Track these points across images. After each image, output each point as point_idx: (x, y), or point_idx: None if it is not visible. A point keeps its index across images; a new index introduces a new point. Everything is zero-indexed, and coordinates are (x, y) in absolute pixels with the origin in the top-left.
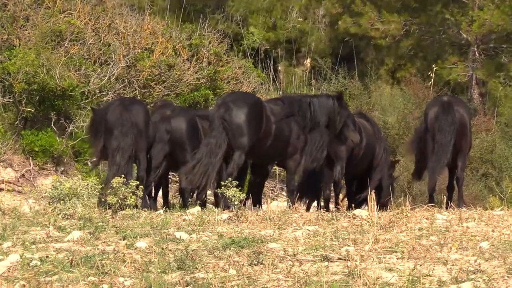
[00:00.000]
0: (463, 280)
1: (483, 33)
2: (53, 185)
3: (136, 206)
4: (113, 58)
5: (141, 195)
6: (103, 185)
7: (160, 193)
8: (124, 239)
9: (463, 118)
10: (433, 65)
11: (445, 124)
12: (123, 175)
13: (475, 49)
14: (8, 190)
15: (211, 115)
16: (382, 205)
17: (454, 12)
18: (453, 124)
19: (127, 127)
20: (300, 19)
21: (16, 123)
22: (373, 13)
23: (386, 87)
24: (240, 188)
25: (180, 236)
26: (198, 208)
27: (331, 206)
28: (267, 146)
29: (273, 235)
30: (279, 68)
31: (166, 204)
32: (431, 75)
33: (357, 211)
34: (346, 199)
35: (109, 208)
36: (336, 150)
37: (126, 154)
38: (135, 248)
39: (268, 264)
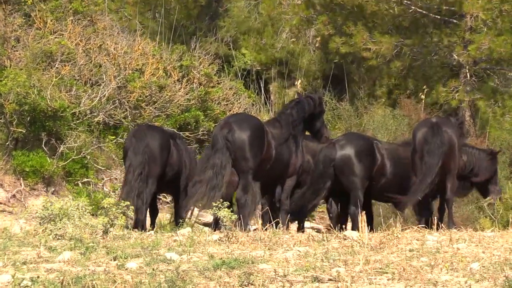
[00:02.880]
0: None
1: (479, 57)
2: (43, 206)
3: (127, 227)
4: (104, 79)
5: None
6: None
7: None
8: (114, 260)
9: (451, 139)
10: (424, 87)
11: (434, 146)
12: (135, 194)
13: (467, 71)
14: None
15: (214, 135)
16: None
17: (446, 34)
18: (442, 147)
19: (140, 147)
20: (292, 39)
21: (7, 143)
22: (365, 33)
23: (377, 109)
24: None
25: (170, 257)
26: (189, 229)
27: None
28: (267, 169)
29: (263, 256)
30: (270, 89)
31: (153, 224)
32: (421, 96)
33: (347, 232)
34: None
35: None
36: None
37: (136, 172)
38: (126, 269)
39: (259, 285)
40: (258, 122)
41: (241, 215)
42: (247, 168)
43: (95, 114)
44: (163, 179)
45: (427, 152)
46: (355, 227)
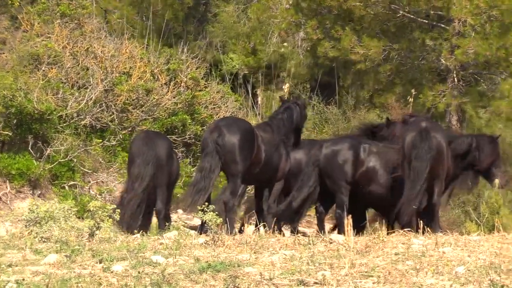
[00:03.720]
0: None
1: (466, 61)
2: (29, 208)
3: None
4: (91, 82)
5: (117, 219)
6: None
7: None
8: (100, 263)
9: (440, 144)
10: (412, 90)
11: (422, 152)
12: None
13: (454, 76)
14: None
15: (204, 139)
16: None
17: (434, 39)
18: (430, 152)
19: (150, 156)
20: (284, 44)
21: None
22: (353, 37)
23: (365, 113)
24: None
25: (156, 260)
26: (175, 232)
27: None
28: (255, 173)
29: (249, 259)
30: (258, 92)
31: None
32: (409, 99)
33: (333, 236)
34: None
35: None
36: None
37: (144, 183)
38: (112, 272)
39: None
40: (248, 126)
41: (227, 219)
42: (237, 171)
43: (82, 117)
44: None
45: (415, 157)
46: (341, 231)
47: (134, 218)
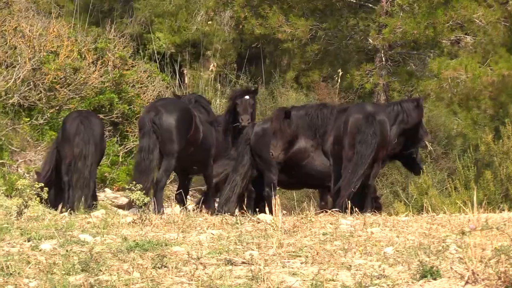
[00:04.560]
0: (367, 285)
1: (394, 40)
2: None
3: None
4: (19, 61)
5: (46, 197)
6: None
7: None
8: (29, 241)
9: (384, 130)
10: (339, 70)
11: (368, 137)
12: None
13: (382, 56)
14: None
15: (141, 119)
16: None
17: (361, 18)
18: (375, 138)
19: (88, 135)
20: (208, 22)
21: None
22: (280, 16)
23: (292, 92)
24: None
25: (84, 239)
26: (102, 211)
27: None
28: (191, 152)
29: (177, 238)
30: (185, 72)
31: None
32: (336, 78)
33: (261, 216)
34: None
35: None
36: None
37: (88, 161)
38: (40, 250)
39: (172, 267)
40: (185, 106)
41: (156, 198)
42: (173, 151)
43: (10, 96)
44: None
45: (360, 142)
46: (269, 210)
47: (86, 198)
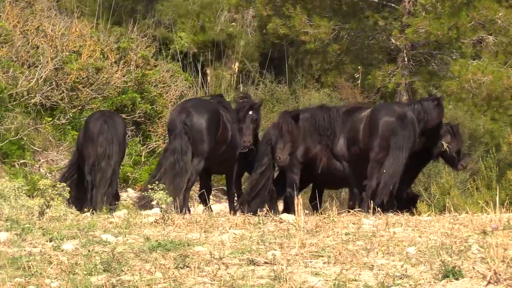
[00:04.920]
0: (389, 285)
1: (417, 40)
2: None
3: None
4: (41, 61)
5: (68, 197)
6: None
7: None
8: (50, 241)
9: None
10: (359, 67)
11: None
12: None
13: (405, 55)
14: None
15: (171, 120)
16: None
17: (384, 18)
18: (410, 140)
19: (112, 135)
20: (232, 24)
21: None
22: (303, 17)
23: (315, 92)
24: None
25: (106, 239)
26: (125, 211)
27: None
28: (220, 152)
29: (199, 238)
30: (207, 71)
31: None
32: (357, 76)
33: (283, 215)
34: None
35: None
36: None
37: (112, 161)
38: (62, 250)
39: (194, 267)
40: (215, 106)
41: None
42: (203, 151)
43: (32, 95)
44: None
45: (396, 144)
46: (291, 210)
47: (108, 197)
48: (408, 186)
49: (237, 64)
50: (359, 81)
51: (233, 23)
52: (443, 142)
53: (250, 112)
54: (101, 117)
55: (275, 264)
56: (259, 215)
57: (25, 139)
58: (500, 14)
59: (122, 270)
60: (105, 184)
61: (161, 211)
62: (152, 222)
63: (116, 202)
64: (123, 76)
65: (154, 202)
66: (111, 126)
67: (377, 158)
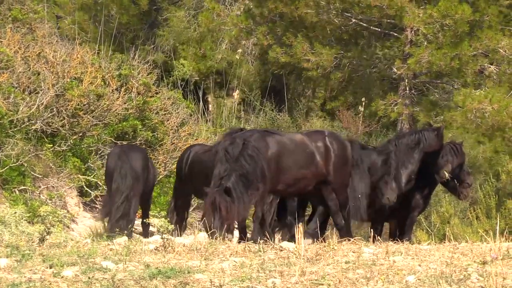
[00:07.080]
0: None
1: (419, 70)
2: None
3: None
4: (42, 87)
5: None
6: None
7: None
8: (51, 268)
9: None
10: (363, 99)
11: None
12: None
13: (406, 84)
14: None
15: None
16: None
17: (386, 47)
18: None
19: (125, 169)
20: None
21: None
22: (305, 45)
23: (316, 120)
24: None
25: (106, 266)
26: (125, 237)
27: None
28: None
29: (199, 266)
30: (209, 99)
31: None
32: (360, 108)
33: (284, 243)
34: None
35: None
36: None
37: (124, 194)
38: (62, 277)
39: None
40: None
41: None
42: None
43: (33, 122)
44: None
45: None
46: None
47: (121, 229)
48: (421, 211)
49: (238, 91)
50: (361, 112)
51: (239, 50)
52: (445, 171)
53: None
54: (117, 153)
55: None
56: (259, 243)
57: (25, 165)
58: (503, 43)
59: None
60: (118, 217)
61: (161, 238)
62: (152, 249)
63: (116, 229)
64: (124, 103)
65: (154, 229)
66: (124, 162)
67: None
